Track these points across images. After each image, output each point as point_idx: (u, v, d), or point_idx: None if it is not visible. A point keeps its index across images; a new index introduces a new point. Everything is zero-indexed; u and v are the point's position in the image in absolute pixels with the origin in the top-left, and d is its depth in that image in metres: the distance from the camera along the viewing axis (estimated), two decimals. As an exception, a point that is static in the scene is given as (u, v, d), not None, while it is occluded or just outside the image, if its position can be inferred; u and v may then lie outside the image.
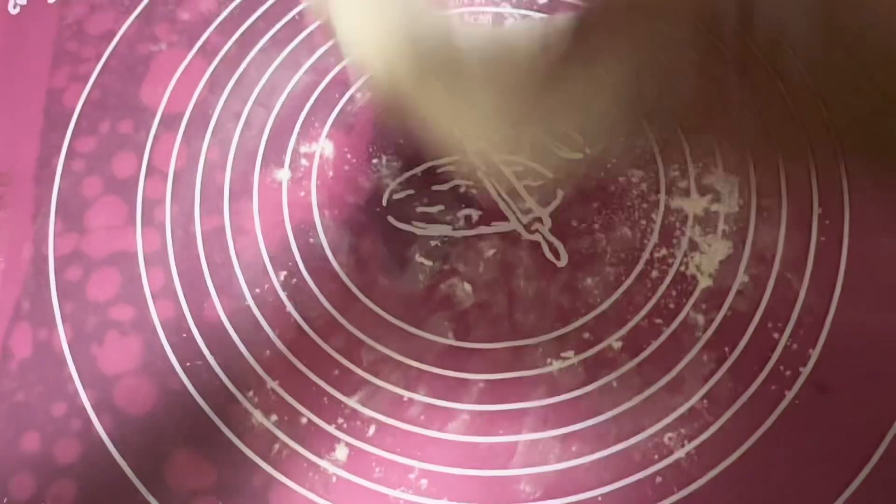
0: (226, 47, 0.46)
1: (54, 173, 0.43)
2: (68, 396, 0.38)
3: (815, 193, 0.41)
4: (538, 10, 0.46)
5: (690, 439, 0.36)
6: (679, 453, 0.36)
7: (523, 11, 0.46)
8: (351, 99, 0.44)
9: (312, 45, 0.46)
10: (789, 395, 0.37)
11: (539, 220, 0.40)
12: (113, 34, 0.46)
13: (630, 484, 0.35)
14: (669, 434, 0.36)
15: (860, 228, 0.40)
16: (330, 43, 0.46)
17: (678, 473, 0.35)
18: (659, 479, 0.35)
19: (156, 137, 0.44)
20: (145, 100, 0.45)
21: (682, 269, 0.39)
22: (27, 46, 0.46)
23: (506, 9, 0.46)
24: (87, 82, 0.45)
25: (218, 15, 0.47)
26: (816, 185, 0.41)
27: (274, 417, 0.37)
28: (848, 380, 0.37)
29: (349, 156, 0.43)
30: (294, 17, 0.47)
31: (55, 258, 0.41)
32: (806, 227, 0.40)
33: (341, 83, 0.45)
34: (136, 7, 0.47)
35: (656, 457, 0.36)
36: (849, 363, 0.37)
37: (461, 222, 0.41)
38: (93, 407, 0.38)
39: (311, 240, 0.40)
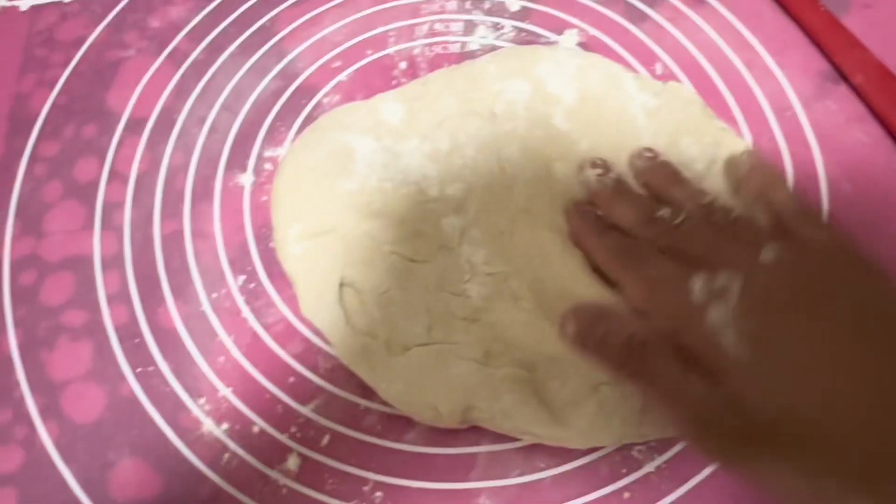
0: (194, 53, 0.45)
1: (15, 177, 0.42)
2: (14, 402, 0.37)
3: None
4: (510, 18, 0.46)
5: (660, 452, 0.34)
6: (648, 467, 0.34)
7: (495, 19, 0.46)
8: (318, 104, 0.43)
9: (281, 52, 0.45)
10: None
11: None
12: (83, 40, 0.46)
13: (597, 499, 0.34)
14: (639, 447, 0.34)
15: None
16: (299, 49, 0.45)
17: (647, 488, 0.34)
18: (627, 494, 0.34)
19: (119, 142, 0.43)
20: (111, 104, 0.44)
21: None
22: (-4, 52, 0.46)
23: (477, 16, 0.46)
24: (54, 87, 0.45)
25: (188, 22, 0.46)
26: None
27: (225, 426, 0.36)
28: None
29: (315, 161, 0.42)
30: (264, 23, 0.46)
31: (11, 262, 0.40)
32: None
33: (309, 88, 0.44)
34: (107, 15, 0.47)
35: (624, 470, 0.34)
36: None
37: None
38: (39, 413, 0.37)
39: (272, 244, 0.39)
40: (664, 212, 0.34)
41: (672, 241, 0.33)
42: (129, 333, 0.38)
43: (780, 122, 0.42)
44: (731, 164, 0.37)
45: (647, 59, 0.44)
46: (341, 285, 0.37)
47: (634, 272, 0.33)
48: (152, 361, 0.37)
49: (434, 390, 0.34)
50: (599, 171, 0.37)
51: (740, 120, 0.42)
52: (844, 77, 0.42)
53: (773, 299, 0.29)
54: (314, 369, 0.37)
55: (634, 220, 0.35)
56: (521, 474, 0.34)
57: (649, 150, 0.38)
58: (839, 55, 0.43)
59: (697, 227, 0.33)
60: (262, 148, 0.43)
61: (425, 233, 0.37)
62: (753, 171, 0.36)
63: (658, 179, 0.37)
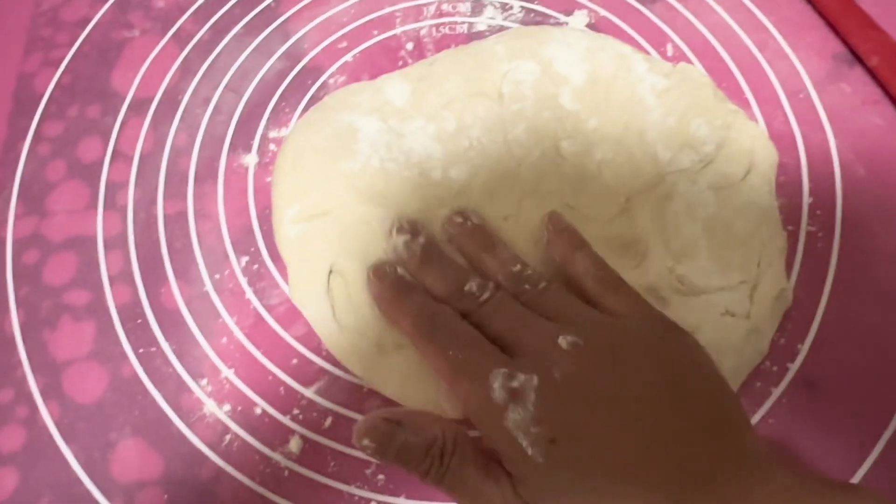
0: (199, 34, 0.45)
1: (19, 157, 0.42)
2: (16, 382, 0.37)
3: (806, 181, 0.39)
4: (519, -1, 0.45)
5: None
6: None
7: (503, -1, 0.45)
8: (323, 85, 0.43)
9: (287, 32, 0.45)
10: (776, 392, 0.34)
11: None
12: (88, 21, 0.46)
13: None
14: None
15: (853, 219, 0.38)
16: (305, 30, 0.45)
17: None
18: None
19: (123, 122, 0.43)
20: (116, 85, 0.44)
21: (662, 259, 0.37)
22: (1, 32, 0.46)
23: (486, -4, 0.45)
24: (58, 67, 0.44)
25: (193, 2, 0.46)
26: (807, 172, 0.39)
27: (227, 407, 0.35)
28: (838, 378, 0.34)
29: (320, 142, 0.41)
30: (269, 4, 0.46)
31: (13, 241, 0.40)
32: (795, 218, 0.38)
33: (314, 69, 0.44)
34: (112, -6, 0.47)
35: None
36: (839, 360, 0.35)
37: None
38: (40, 393, 0.36)
39: (275, 225, 0.39)
40: (471, 285, 0.33)
41: (477, 318, 0.32)
42: (131, 314, 0.38)
43: (792, 105, 0.41)
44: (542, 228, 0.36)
45: (658, 41, 0.43)
46: (330, 272, 0.36)
47: (436, 349, 0.31)
48: (155, 342, 0.37)
49: (435, 386, 0.34)
50: (407, 236, 0.36)
51: (752, 103, 0.41)
52: (859, 59, 0.42)
53: (570, 394, 0.28)
54: (317, 351, 0.36)
55: (442, 292, 0.34)
56: (525, 458, 0.34)
57: (460, 214, 0.36)
58: (854, 37, 0.42)
59: (501, 306, 0.32)
60: (267, 129, 0.42)
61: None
62: (556, 236, 0.35)
63: (469, 246, 0.36)
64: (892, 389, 0.34)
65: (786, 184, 0.38)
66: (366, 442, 0.29)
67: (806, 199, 0.38)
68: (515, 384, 0.28)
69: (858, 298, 0.36)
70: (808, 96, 0.41)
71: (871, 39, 0.41)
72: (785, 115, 0.41)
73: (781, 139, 0.40)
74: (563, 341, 0.29)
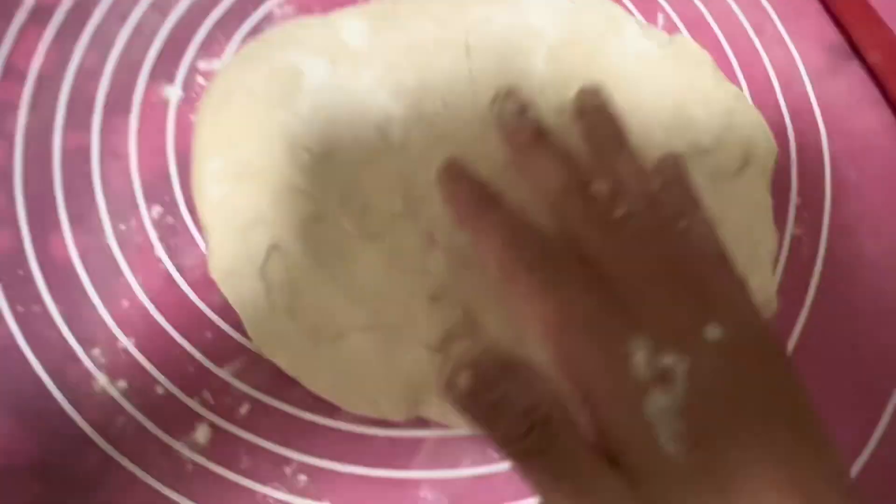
0: (123, -66, 0.38)
1: None
2: None
3: (795, 181, 0.36)
4: None
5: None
6: (615, 466, 0.30)
7: None
8: (268, 15, 0.37)
9: (229, -53, 0.39)
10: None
11: None
12: None
13: (554, 499, 0.29)
14: (606, 443, 0.30)
15: (840, 225, 0.35)
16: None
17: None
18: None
19: (21, 31, 0.36)
20: (14, -14, 0.37)
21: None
22: None
23: None
24: (-59, -43, 0.37)
25: None
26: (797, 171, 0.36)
27: (122, 384, 0.30)
28: (819, 388, 0.31)
29: (258, 81, 0.36)
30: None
31: None
32: (782, 218, 0.35)
33: (258, -6, 0.38)
34: None
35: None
36: (820, 370, 0.32)
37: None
38: None
39: (197, 173, 0.33)
40: (601, 185, 0.25)
41: (609, 249, 0.24)
42: (10, 263, 0.32)
43: (786, 96, 0.38)
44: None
45: (649, 9, 0.39)
46: (272, 248, 0.31)
47: (543, 291, 0.24)
48: (38, 299, 0.31)
49: (374, 382, 0.30)
50: (517, 106, 0.28)
51: (745, 87, 0.38)
52: (859, 53, 0.39)
53: (717, 392, 0.22)
54: (237, 326, 0.31)
55: (558, 185, 0.26)
56: (473, 465, 0.30)
57: (598, 90, 0.29)
58: (855, 28, 0.39)
59: (644, 238, 0.24)
60: (196, 59, 0.36)
61: (376, 204, 0.32)
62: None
63: (600, 135, 0.28)
64: (873, 400, 0.33)
65: (775, 181, 0.36)
66: (463, 379, 0.22)
67: (794, 200, 0.35)
68: (668, 362, 0.22)
69: (840, 308, 0.34)
70: (803, 87, 0.38)
71: (873, 34, 0.38)
72: (778, 105, 0.38)
73: (772, 131, 0.37)
74: (711, 333, 0.22)
